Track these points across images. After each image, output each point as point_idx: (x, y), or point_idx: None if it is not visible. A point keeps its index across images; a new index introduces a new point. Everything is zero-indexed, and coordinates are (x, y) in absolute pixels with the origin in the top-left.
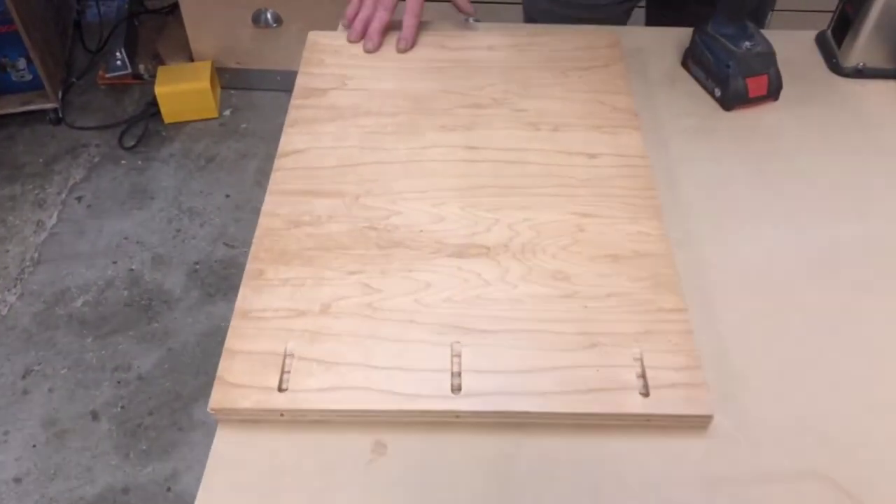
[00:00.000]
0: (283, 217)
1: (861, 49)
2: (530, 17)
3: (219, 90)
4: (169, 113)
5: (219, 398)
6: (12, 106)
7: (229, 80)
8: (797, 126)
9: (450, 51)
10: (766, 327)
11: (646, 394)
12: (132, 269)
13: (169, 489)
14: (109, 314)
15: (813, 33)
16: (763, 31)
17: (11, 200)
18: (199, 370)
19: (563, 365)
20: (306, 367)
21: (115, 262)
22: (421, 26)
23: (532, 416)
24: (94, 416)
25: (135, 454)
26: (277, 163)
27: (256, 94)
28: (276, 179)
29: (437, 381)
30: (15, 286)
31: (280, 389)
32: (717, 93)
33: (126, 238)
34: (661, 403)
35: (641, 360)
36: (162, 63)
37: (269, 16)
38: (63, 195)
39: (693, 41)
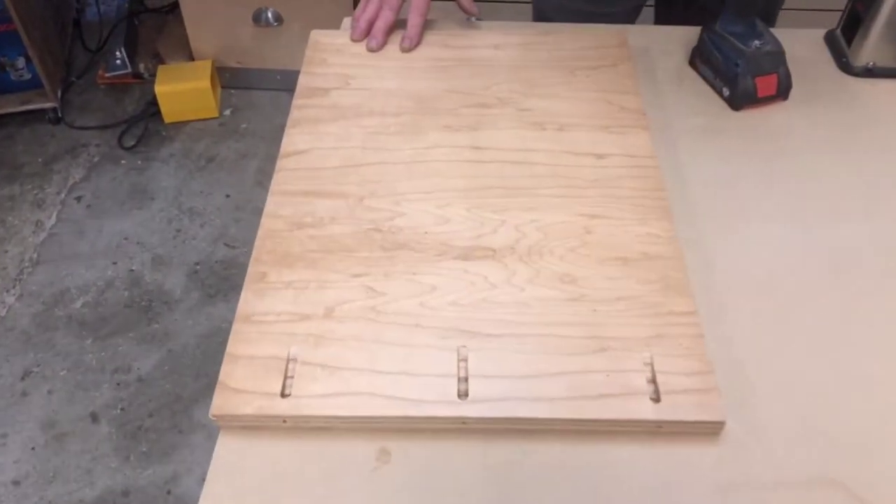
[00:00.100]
0: (286, 219)
1: (871, 48)
2: (540, 13)
3: (219, 90)
4: (169, 112)
5: (220, 404)
6: (11, 105)
7: (230, 79)
8: (806, 126)
9: (454, 50)
10: (777, 330)
11: (656, 399)
12: (132, 270)
13: (169, 492)
14: (109, 315)
15: (822, 32)
16: (771, 30)
17: (10, 200)
18: (200, 372)
19: (572, 370)
20: (310, 372)
21: (114, 263)
22: (425, 25)
23: (540, 422)
24: (94, 418)
25: (135, 457)
26: (279, 163)
27: (257, 93)
28: (278, 180)
29: (443, 387)
30: (14, 287)
31: (283, 395)
32: (726, 92)
33: (126, 238)
34: (673, 409)
35: (652, 364)
36: (162, 62)
37: (269, 15)
38: (62, 195)
39: (701, 40)
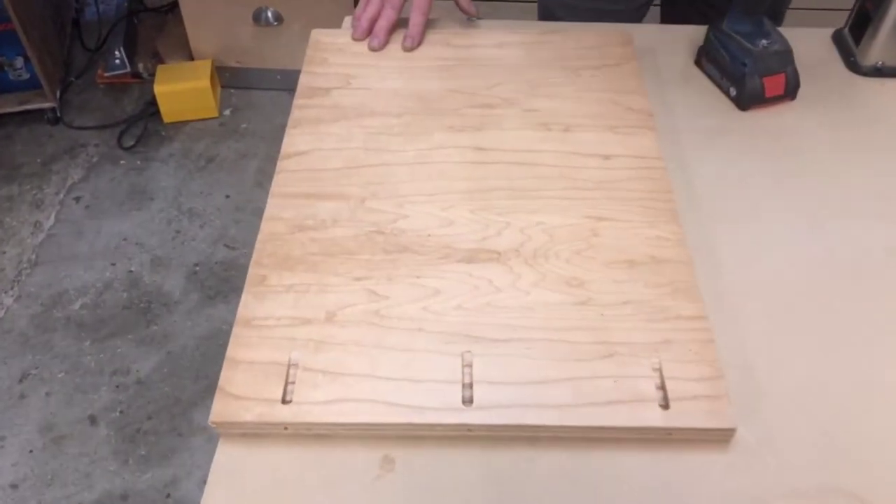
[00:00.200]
0: (287, 221)
1: (880, 47)
2: (546, 10)
3: (219, 89)
4: (168, 112)
5: (220, 411)
6: (10, 105)
7: (229, 79)
8: (815, 126)
9: (457, 49)
10: (788, 335)
11: (665, 406)
12: (131, 271)
13: (168, 496)
14: (108, 317)
15: (829, 31)
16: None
17: (9, 201)
18: (199, 374)
19: (579, 376)
20: (311, 378)
21: (113, 264)
22: (427, 24)
23: (546, 429)
24: (93, 420)
25: (133, 460)
26: (280, 164)
27: (257, 93)
28: (279, 182)
29: (447, 393)
30: (12, 288)
31: (284, 401)
32: (733, 92)
33: (125, 239)
34: (682, 416)
35: (660, 370)
36: (161, 62)
37: (269, 14)
38: (61, 196)
39: (707, 39)
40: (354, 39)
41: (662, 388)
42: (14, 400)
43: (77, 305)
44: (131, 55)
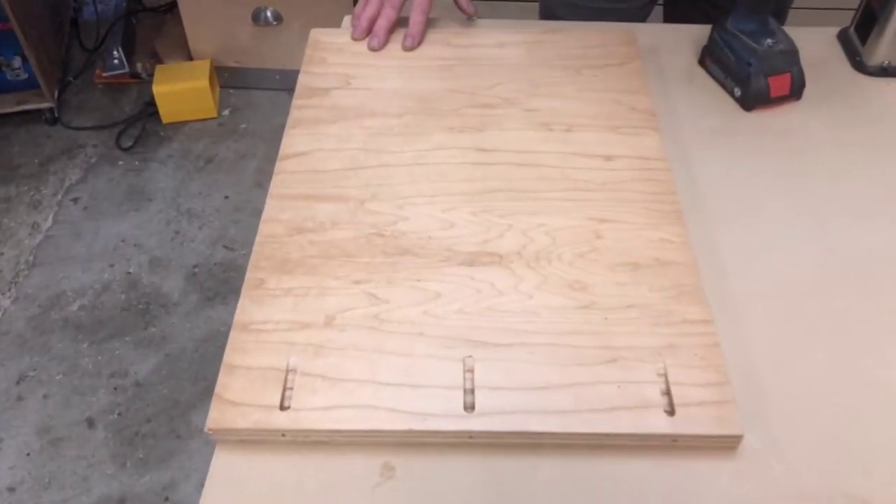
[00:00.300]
0: (285, 223)
1: (886, 46)
2: (547, 9)
3: (218, 89)
4: (167, 113)
5: (216, 417)
6: (7, 105)
7: (228, 79)
8: (821, 126)
9: (457, 48)
10: (795, 339)
11: (671, 412)
12: (129, 273)
13: (167, 499)
14: (106, 318)
15: (834, 30)
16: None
17: (6, 202)
18: (198, 376)
19: (583, 381)
20: (310, 384)
21: (111, 266)
22: (427, 23)
23: (549, 436)
24: (90, 423)
25: (131, 463)
26: (278, 166)
27: (256, 93)
28: (277, 183)
29: (448, 399)
30: (9, 290)
31: (282, 408)
32: (737, 92)
33: (123, 240)
34: (688, 423)
35: (666, 375)
36: (160, 62)
37: (268, 14)
38: (59, 196)
39: (711, 38)
40: (354, 39)
41: (668, 393)
42: (11, 402)
43: (75, 307)
44: (130, 55)
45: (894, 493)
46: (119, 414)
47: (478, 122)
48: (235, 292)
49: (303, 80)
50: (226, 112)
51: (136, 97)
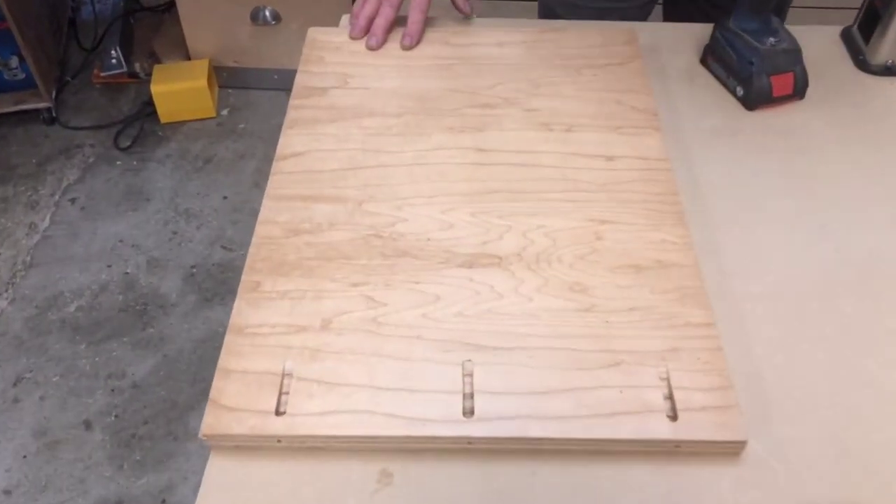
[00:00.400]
0: (282, 224)
1: (890, 45)
2: (547, 9)
3: (216, 89)
4: (165, 112)
5: (211, 423)
6: (5, 105)
7: (227, 78)
8: (824, 126)
9: (456, 48)
10: (800, 343)
11: (673, 417)
12: (127, 273)
13: (164, 501)
14: (103, 319)
15: (837, 29)
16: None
17: (3, 202)
18: (196, 377)
19: (584, 386)
20: (306, 388)
21: (109, 266)
22: (426, 22)
23: (550, 441)
24: (87, 425)
25: (129, 465)
26: (275, 166)
27: (255, 93)
28: (274, 184)
29: (447, 404)
30: (6, 291)
31: (277, 413)
32: (740, 92)
33: (121, 241)
34: (691, 428)
35: (668, 379)
36: (158, 61)
37: (267, 13)
38: (56, 197)
39: (713, 37)
40: (352, 38)
41: (670, 398)
42: (8, 404)
43: (72, 308)
44: (128, 55)
45: None
46: (116, 416)
47: (477, 122)
48: (234, 293)
49: (300, 80)
50: (224, 112)
51: (135, 97)
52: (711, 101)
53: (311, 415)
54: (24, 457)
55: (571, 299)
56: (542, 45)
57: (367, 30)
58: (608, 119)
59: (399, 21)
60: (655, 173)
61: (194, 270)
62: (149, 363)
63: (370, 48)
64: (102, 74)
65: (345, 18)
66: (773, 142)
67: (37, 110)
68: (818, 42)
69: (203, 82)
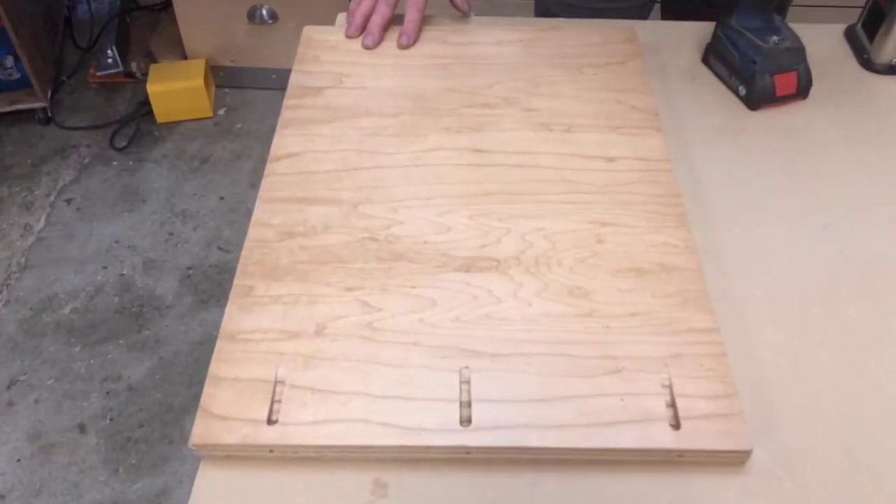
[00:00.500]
0: (275, 227)
1: (895, 44)
2: (542, 8)
3: (213, 89)
4: (161, 112)
5: (202, 432)
6: (0, 105)
7: (224, 78)
8: (827, 125)
9: (454, 47)
10: (802, 345)
11: (676, 426)
12: (123, 275)
13: None
14: (99, 321)
15: (841, 27)
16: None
17: None
18: (192, 380)
19: (584, 393)
20: (299, 396)
21: (105, 268)
22: (423, 21)
23: (549, 451)
24: (82, 428)
25: (124, 469)
26: (269, 167)
27: (252, 92)
28: (268, 186)
29: (444, 413)
30: (0, 292)
31: (270, 422)
32: (742, 91)
33: (117, 242)
34: (694, 437)
35: (671, 387)
36: (154, 61)
37: (264, 12)
38: (52, 197)
39: (715, 35)
40: (348, 36)
41: (673, 405)
42: (2, 407)
43: (67, 310)
44: (124, 54)
45: None
46: (111, 419)
47: (475, 122)
48: None
49: (295, 79)
50: (221, 112)
51: (131, 97)
52: (713, 101)
53: (304, 424)
54: (18, 460)
55: (571, 304)
56: (541, 44)
57: (364, 28)
58: (608, 119)
59: (396, 19)
60: (656, 174)
61: (191, 272)
62: (144, 366)
63: (366, 47)
64: (98, 74)
65: (341, 17)
66: (775, 141)
67: (32, 110)
68: (821, 41)
69: (200, 82)
